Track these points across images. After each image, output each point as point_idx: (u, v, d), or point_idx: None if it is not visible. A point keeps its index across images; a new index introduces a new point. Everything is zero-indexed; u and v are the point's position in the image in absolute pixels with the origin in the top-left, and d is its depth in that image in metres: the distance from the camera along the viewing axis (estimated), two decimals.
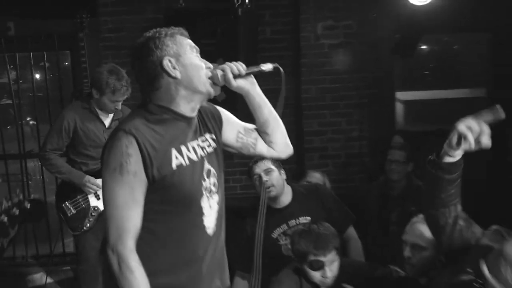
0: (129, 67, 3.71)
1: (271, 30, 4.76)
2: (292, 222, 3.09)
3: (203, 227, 1.82)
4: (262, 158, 3.00)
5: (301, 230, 2.64)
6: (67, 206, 3.60)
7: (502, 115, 1.66)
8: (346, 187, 4.72)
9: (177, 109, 1.78)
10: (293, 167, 4.84)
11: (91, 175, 3.57)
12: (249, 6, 4.07)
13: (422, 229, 2.31)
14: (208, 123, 1.95)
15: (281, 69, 1.91)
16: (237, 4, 3.99)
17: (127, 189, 1.67)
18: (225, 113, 2.03)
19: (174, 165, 1.73)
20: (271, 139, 2.02)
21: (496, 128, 1.74)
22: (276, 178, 3.04)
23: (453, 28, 4.89)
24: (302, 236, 2.56)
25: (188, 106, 1.79)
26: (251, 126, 2.05)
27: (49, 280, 4.35)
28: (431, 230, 2.03)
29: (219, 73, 1.78)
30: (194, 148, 1.83)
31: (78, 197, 3.59)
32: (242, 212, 3.21)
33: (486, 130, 1.65)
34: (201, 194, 1.82)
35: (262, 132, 2.02)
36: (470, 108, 4.81)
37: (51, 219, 4.73)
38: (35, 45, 4.66)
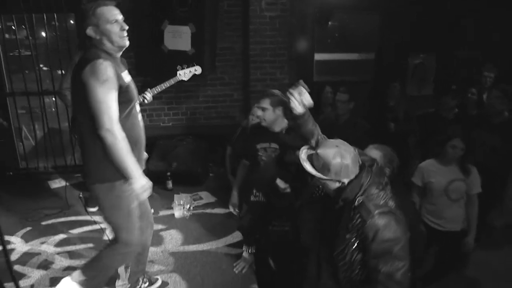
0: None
1: (228, 3, 4.86)
2: (274, 145, 3.00)
3: (138, 117, 2.23)
4: (266, 95, 2.99)
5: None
6: None
7: (303, 86, 2.04)
8: None
9: (109, 51, 2.09)
10: (241, 104, 5.18)
11: None
12: None
13: (372, 153, 2.36)
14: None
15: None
16: None
17: (113, 93, 1.98)
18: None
19: (126, 81, 2.09)
20: None
21: None
22: (268, 114, 2.93)
23: (353, 9, 5.18)
24: None
25: (112, 51, 2.10)
26: None
27: (65, 183, 4.43)
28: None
29: None
30: (126, 74, 2.16)
31: None
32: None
33: (304, 95, 2.03)
34: (137, 100, 2.22)
35: None
36: (362, 66, 5.50)
37: (64, 139, 4.86)
38: (48, 8, 4.42)
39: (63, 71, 4.52)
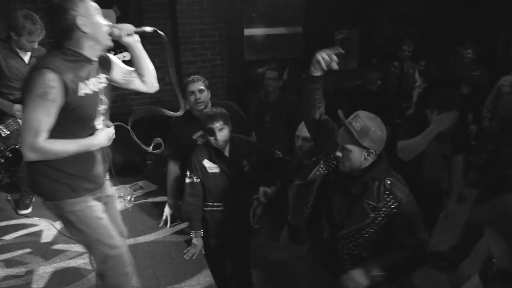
0: (41, 13, 3.72)
1: None
2: None
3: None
4: (197, 78, 3.08)
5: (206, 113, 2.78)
6: (1, 128, 3.33)
7: (341, 51, 1.88)
8: (214, 100, 5.31)
9: (85, 53, 1.89)
10: (173, 88, 5.30)
11: (17, 103, 3.29)
12: None
13: None
14: (103, 66, 2.05)
15: (159, 32, 2.04)
16: None
17: (45, 111, 1.77)
18: (113, 59, 2.14)
19: (82, 93, 1.87)
20: (144, 79, 2.19)
21: None
22: (205, 96, 3.07)
23: None
24: (205, 115, 2.74)
25: (92, 52, 1.91)
26: (131, 68, 2.18)
27: None
28: (306, 124, 2.20)
29: (116, 31, 1.94)
30: (93, 83, 1.95)
31: (9, 120, 3.33)
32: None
33: (334, 59, 1.87)
34: (96, 116, 1.99)
35: (139, 74, 2.18)
36: (291, 42, 5.60)
37: None
38: None
39: None
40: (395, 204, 1.92)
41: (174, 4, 4.71)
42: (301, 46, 5.61)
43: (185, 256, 2.94)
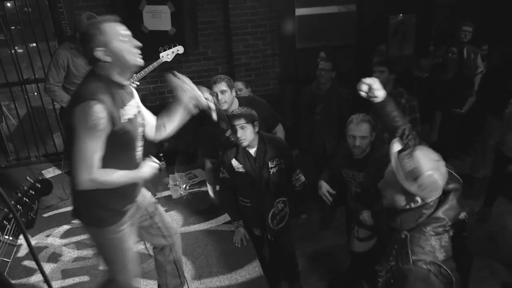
0: (102, 12, 3.93)
1: None
2: None
3: (135, 158, 2.05)
4: (220, 79, 3.05)
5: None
6: None
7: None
8: (265, 89, 5.15)
9: (116, 80, 1.89)
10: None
11: None
12: None
13: (363, 126, 2.67)
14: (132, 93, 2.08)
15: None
16: None
17: (97, 141, 1.80)
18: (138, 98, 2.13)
19: (125, 118, 1.90)
20: (163, 131, 2.18)
21: None
22: (228, 96, 3.05)
23: None
24: (230, 114, 2.80)
25: (121, 78, 1.91)
26: (151, 115, 2.21)
27: (59, 171, 4.53)
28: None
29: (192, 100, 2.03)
30: (132, 106, 1.98)
31: None
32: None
33: (374, 85, 1.94)
34: (138, 137, 2.04)
35: (160, 124, 2.16)
36: (343, 20, 5.34)
37: (52, 126, 4.81)
38: None
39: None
40: (396, 265, 1.67)
41: None
42: (354, 30, 5.36)
43: (236, 245, 3.05)
